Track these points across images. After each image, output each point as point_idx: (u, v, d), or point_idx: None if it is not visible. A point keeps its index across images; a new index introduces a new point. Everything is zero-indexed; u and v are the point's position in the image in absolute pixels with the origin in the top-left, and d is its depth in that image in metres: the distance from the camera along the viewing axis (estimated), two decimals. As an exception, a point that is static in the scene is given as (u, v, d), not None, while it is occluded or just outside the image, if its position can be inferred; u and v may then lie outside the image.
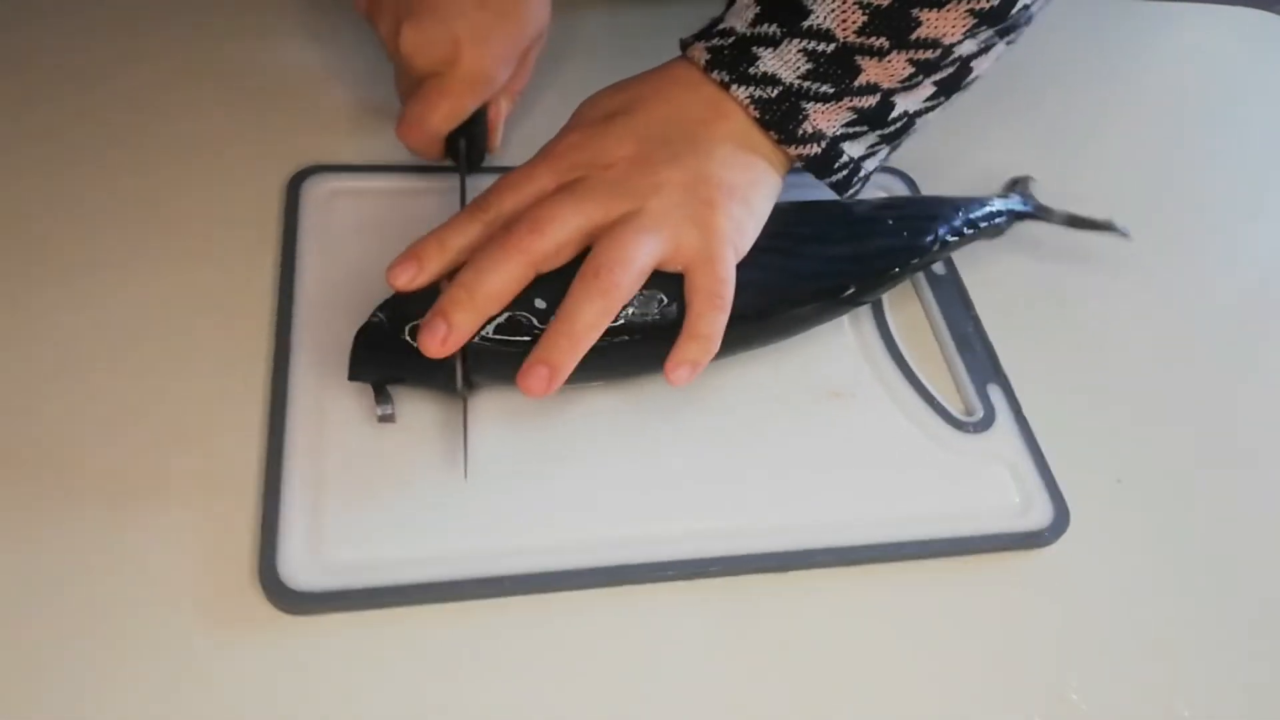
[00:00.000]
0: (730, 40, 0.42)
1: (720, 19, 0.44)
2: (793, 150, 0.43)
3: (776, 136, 0.43)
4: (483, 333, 0.39)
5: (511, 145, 0.53)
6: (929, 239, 0.48)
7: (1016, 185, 0.56)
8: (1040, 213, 0.54)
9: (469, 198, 0.48)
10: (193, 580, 0.38)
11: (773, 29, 0.41)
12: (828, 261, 0.46)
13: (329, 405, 0.42)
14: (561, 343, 0.38)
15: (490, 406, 0.43)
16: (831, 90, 0.42)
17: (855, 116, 0.43)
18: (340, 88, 0.56)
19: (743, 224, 0.42)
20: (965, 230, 0.50)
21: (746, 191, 0.42)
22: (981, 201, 0.52)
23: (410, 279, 0.39)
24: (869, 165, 0.45)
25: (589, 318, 0.38)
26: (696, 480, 0.43)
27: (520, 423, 0.43)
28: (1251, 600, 0.45)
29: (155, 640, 0.36)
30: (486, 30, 0.46)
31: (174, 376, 0.43)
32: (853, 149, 0.44)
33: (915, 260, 0.48)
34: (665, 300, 0.41)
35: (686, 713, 0.38)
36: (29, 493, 0.39)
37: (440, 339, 0.37)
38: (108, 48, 0.55)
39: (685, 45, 0.44)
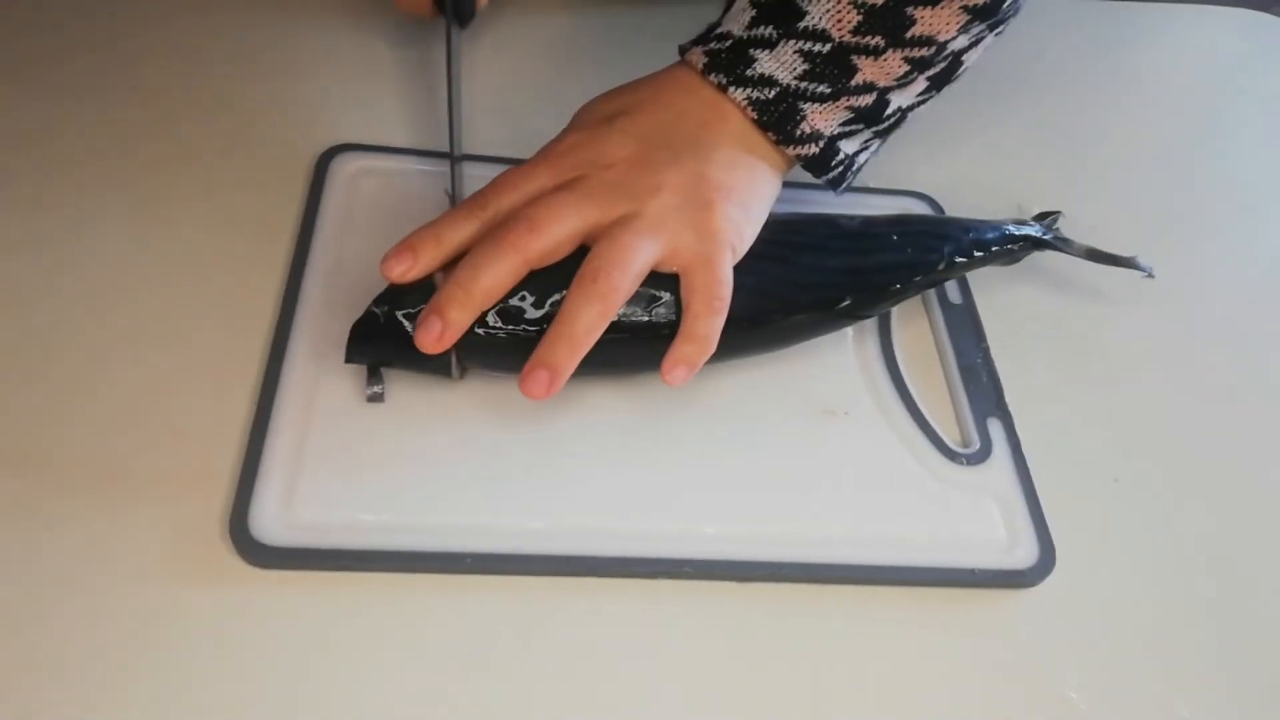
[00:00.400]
0: (727, 44, 0.43)
1: (717, 24, 0.44)
2: (791, 150, 0.43)
3: (775, 137, 0.43)
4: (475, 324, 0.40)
5: (511, 143, 0.54)
6: (934, 257, 0.48)
7: (1044, 220, 0.54)
8: (1060, 244, 0.53)
9: (454, 63, 0.48)
10: (168, 531, 0.39)
11: (769, 31, 0.42)
12: (824, 272, 0.45)
13: (322, 377, 0.43)
14: (561, 346, 0.39)
15: (477, 394, 0.44)
16: (828, 90, 0.42)
17: (852, 115, 0.43)
18: (377, 69, 0.57)
19: (740, 226, 0.42)
20: (975, 252, 0.49)
21: (745, 194, 0.43)
22: (994, 225, 0.51)
23: (404, 271, 0.39)
24: (861, 159, 0.46)
25: (588, 321, 0.39)
26: (671, 483, 0.43)
27: (508, 415, 0.44)
28: (1254, 600, 0.45)
29: (126, 591, 0.37)
30: None
31: (174, 333, 0.44)
32: (848, 146, 0.45)
33: (918, 278, 0.47)
34: (662, 298, 0.41)
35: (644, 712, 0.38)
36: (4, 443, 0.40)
37: (436, 335, 0.38)
38: (136, 17, 0.56)
39: (683, 50, 0.45)
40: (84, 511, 0.39)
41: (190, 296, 0.46)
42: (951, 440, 0.47)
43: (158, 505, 0.39)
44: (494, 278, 0.38)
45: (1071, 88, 0.68)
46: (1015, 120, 0.63)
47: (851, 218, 0.47)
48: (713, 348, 0.41)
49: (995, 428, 0.48)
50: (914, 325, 0.52)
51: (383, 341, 0.41)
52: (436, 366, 0.42)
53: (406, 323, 0.40)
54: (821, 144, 0.43)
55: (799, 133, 0.43)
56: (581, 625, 0.40)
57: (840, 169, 0.45)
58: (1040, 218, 0.55)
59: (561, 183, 0.41)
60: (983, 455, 0.47)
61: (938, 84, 0.45)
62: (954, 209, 0.56)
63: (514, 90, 0.58)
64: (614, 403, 0.45)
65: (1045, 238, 0.53)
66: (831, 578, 0.42)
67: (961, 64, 0.45)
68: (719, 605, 0.41)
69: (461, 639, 0.39)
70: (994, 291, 0.53)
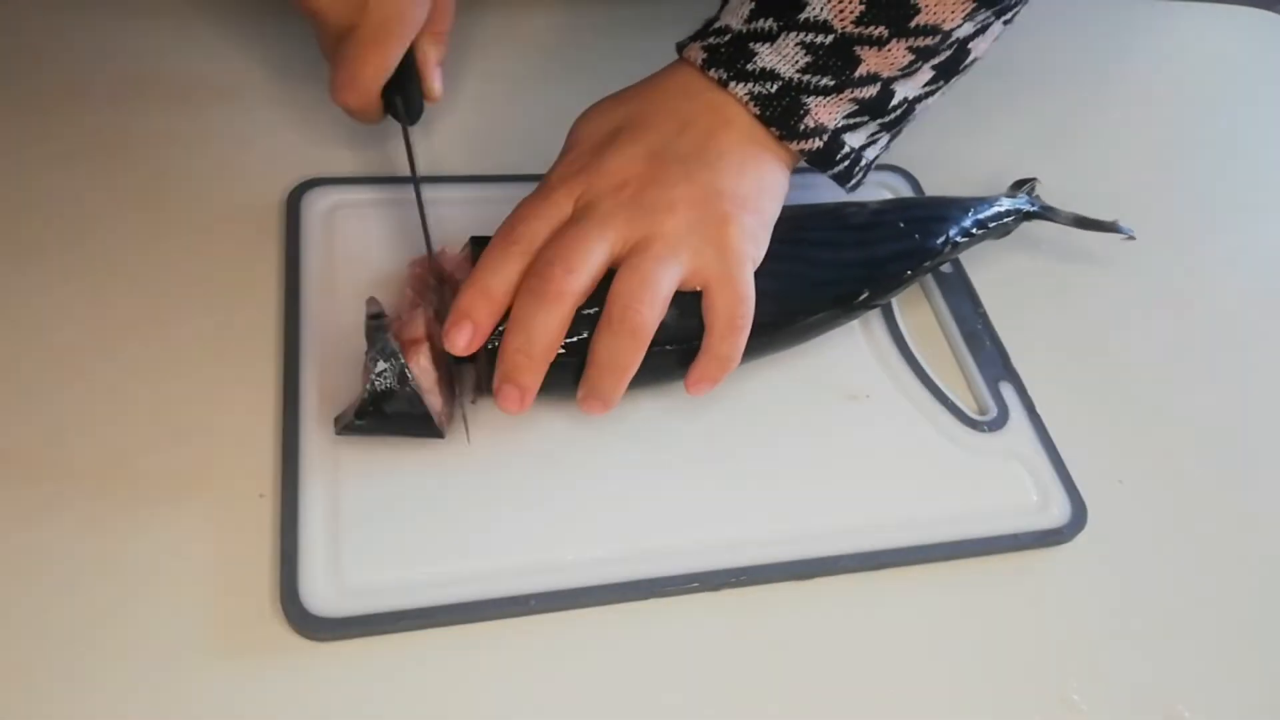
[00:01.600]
0: (726, 38, 0.42)
1: (715, 18, 0.43)
2: (795, 145, 0.42)
3: (778, 132, 0.42)
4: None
5: (515, 150, 0.53)
6: (939, 240, 0.48)
7: (1022, 187, 0.56)
8: (1047, 213, 0.54)
9: (415, 154, 0.47)
10: (212, 609, 0.37)
11: (769, 23, 0.41)
12: (841, 268, 0.45)
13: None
14: (606, 380, 0.39)
15: (502, 424, 0.43)
16: (832, 82, 0.41)
17: (856, 107, 0.43)
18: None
19: (756, 234, 0.42)
20: (974, 231, 0.50)
21: (758, 200, 0.42)
22: (989, 202, 0.52)
23: (468, 342, 0.38)
24: (870, 154, 0.45)
25: (624, 358, 0.39)
26: (716, 490, 0.43)
27: (536, 439, 0.43)
28: (1254, 599, 0.45)
29: (175, 670, 0.35)
30: None
31: (181, 396, 0.42)
32: (854, 139, 0.44)
33: (927, 263, 0.48)
34: (680, 313, 0.40)
35: (719, 726, 0.38)
36: (34, 517, 0.38)
37: (517, 401, 0.39)
38: (104, 60, 0.54)
39: (681, 47, 0.44)
40: (120, 592, 0.37)
41: (186, 364, 0.43)
42: (970, 409, 0.48)
43: (200, 585, 0.37)
44: (549, 332, 0.38)
45: (1071, 84, 0.68)
46: (1015, 118, 0.64)
47: (855, 206, 0.47)
48: (735, 364, 0.41)
49: (1008, 391, 0.49)
50: (913, 301, 0.52)
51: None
52: (432, 433, 0.41)
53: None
54: (825, 138, 0.42)
55: (802, 127, 0.42)
56: (654, 647, 0.39)
57: (846, 163, 0.44)
58: (1018, 185, 0.56)
59: (578, 207, 0.40)
60: (1002, 420, 0.48)
61: (945, 73, 0.44)
62: (933, 187, 0.57)
63: (499, 103, 0.56)
64: (644, 419, 0.44)
65: (1034, 208, 0.54)
66: (887, 563, 0.42)
67: (969, 53, 0.44)
68: (782, 606, 0.41)
69: (537, 680, 0.37)
70: (981, 260, 0.54)
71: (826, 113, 0.42)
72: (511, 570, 0.39)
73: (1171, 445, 0.50)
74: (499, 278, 0.39)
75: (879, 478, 0.45)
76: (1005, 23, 0.44)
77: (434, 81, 0.48)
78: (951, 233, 0.49)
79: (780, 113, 0.42)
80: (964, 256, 0.53)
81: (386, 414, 0.39)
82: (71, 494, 0.39)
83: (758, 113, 0.42)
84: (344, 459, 0.41)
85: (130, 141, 0.50)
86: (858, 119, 0.43)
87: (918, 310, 0.52)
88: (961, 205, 0.51)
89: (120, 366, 0.42)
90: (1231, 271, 0.59)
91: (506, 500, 0.41)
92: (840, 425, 0.46)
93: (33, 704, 0.34)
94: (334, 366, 0.43)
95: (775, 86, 0.41)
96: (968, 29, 0.43)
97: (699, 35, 0.43)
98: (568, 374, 0.40)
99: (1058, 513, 0.45)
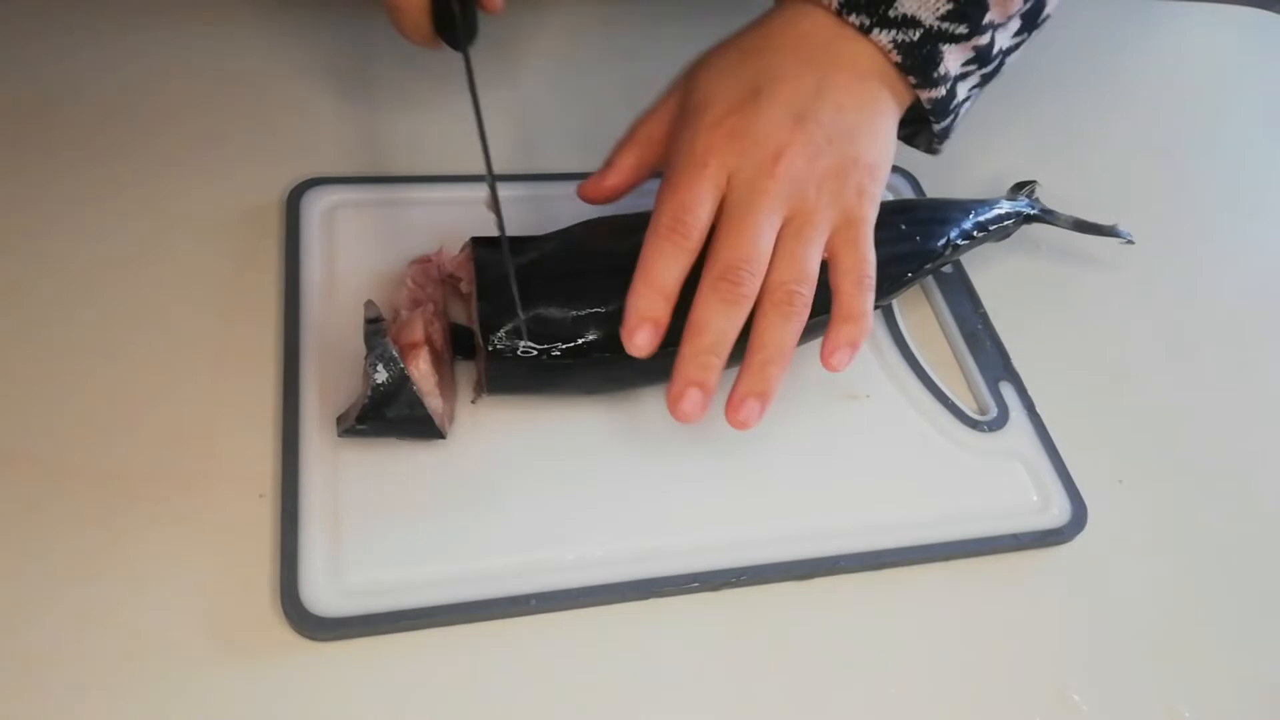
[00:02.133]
0: None
1: None
2: (927, 94, 0.42)
3: (915, 80, 0.42)
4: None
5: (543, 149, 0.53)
6: (940, 243, 0.48)
7: (1022, 189, 0.56)
8: (1047, 216, 0.54)
9: (475, 81, 0.44)
10: (212, 609, 0.37)
11: None
12: None
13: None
14: (770, 371, 0.39)
15: (504, 423, 0.43)
16: (965, 30, 0.41)
17: (973, 54, 0.43)
18: (337, 99, 0.55)
19: (877, 200, 0.42)
20: (975, 233, 0.50)
21: (884, 167, 0.42)
22: (990, 204, 0.52)
23: (651, 340, 0.38)
24: (966, 106, 0.45)
25: (788, 340, 0.39)
26: (716, 490, 0.43)
27: (536, 439, 0.43)
28: (1254, 599, 0.45)
29: (175, 669, 0.35)
30: None
31: (183, 397, 0.42)
32: (962, 89, 0.44)
33: (927, 265, 0.48)
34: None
35: (719, 726, 0.38)
36: (38, 519, 0.38)
37: (701, 407, 0.38)
38: (105, 58, 0.54)
39: None
40: (120, 591, 0.37)
41: (185, 363, 0.43)
42: (970, 409, 0.48)
43: (200, 584, 0.37)
44: (733, 335, 0.38)
45: (1070, 84, 0.68)
46: (1013, 117, 0.64)
47: None
48: (870, 324, 0.41)
49: (1008, 391, 0.49)
50: (913, 301, 0.52)
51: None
52: (433, 434, 0.41)
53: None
54: (948, 86, 0.42)
55: (936, 74, 0.42)
56: (654, 647, 0.39)
57: (953, 116, 0.44)
58: (1018, 188, 0.56)
59: (736, 184, 0.39)
60: (1001, 419, 0.48)
61: (1028, 25, 0.44)
62: (933, 187, 0.57)
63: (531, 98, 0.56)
64: (645, 419, 0.44)
65: (1035, 211, 0.54)
66: (887, 563, 0.42)
67: (1045, 5, 0.44)
68: (782, 606, 0.41)
69: (537, 680, 0.37)
70: (980, 260, 0.54)
71: (954, 60, 0.42)
72: (511, 570, 0.39)
73: (1172, 445, 0.50)
74: (672, 274, 0.38)
75: (879, 478, 0.45)
76: None
77: None
78: (952, 235, 0.49)
79: (921, 61, 0.41)
80: (964, 257, 0.53)
81: (388, 418, 0.39)
82: (72, 494, 0.39)
83: (899, 60, 0.41)
84: (344, 459, 0.40)
85: (129, 141, 0.50)
86: (969, 67, 0.43)
87: (918, 310, 0.52)
88: (962, 207, 0.51)
89: (120, 365, 0.42)
90: (1231, 271, 0.59)
91: (507, 500, 0.41)
92: (840, 425, 0.46)
93: (33, 702, 0.34)
94: (334, 366, 0.43)
95: (918, 34, 0.41)
96: None
97: None
98: (573, 375, 0.40)
99: (1058, 513, 0.45)
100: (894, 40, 0.41)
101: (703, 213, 0.39)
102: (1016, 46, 0.45)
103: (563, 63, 0.60)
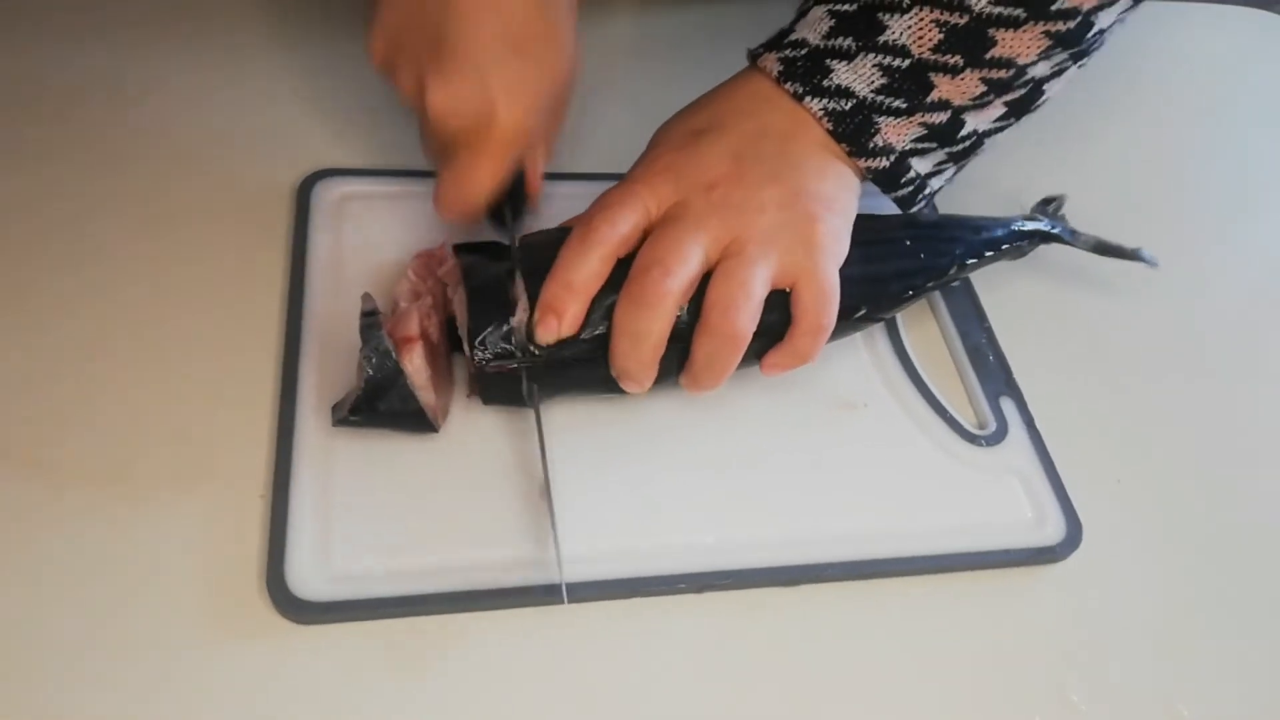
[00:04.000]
0: (803, 52, 0.42)
1: (790, 30, 0.44)
2: (862, 163, 0.43)
3: (848, 149, 0.42)
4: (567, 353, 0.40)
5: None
6: (945, 261, 0.47)
7: (1049, 205, 0.54)
8: (1069, 237, 0.53)
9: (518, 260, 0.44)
10: (199, 589, 0.37)
11: (847, 43, 0.41)
12: (841, 283, 0.45)
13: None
14: (704, 378, 0.41)
15: (497, 419, 0.43)
16: (904, 105, 0.42)
17: (925, 132, 0.43)
18: (350, 91, 0.55)
19: (840, 233, 0.42)
20: (986, 252, 0.49)
21: (841, 200, 0.42)
22: (1006, 222, 0.51)
23: (555, 335, 0.39)
24: (935, 183, 0.45)
25: (724, 362, 0.40)
26: (705, 492, 0.43)
27: (526, 436, 0.43)
28: (1253, 603, 0.45)
29: (161, 650, 0.36)
30: (522, 81, 0.41)
31: (181, 381, 0.43)
32: (920, 165, 0.44)
33: (930, 283, 0.47)
34: (683, 311, 0.40)
35: (696, 728, 0.38)
36: (30, 499, 0.39)
37: (636, 392, 0.41)
38: (113, 51, 0.55)
39: (755, 56, 0.44)
40: (111, 573, 0.37)
41: (189, 347, 0.44)
42: (968, 423, 0.48)
43: (188, 564, 0.38)
44: (654, 334, 0.39)
45: (1071, 83, 0.68)
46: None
47: (863, 220, 0.46)
48: (813, 360, 0.42)
49: (1008, 406, 0.49)
50: (917, 312, 0.52)
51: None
52: (425, 428, 0.41)
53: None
54: (893, 158, 0.43)
55: (872, 145, 0.42)
56: (638, 646, 0.39)
57: (910, 188, 0.44)
58: (1045, 203, 0.54)
59: (665, 207, 0.40)
60: (1000, 435, 0.47)
61: (1016, 111, 0.44)
62: (949, 204, 0.57)
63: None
64: (637, 420, 0.44)
65: (1054, 231, 0.52)
66: (876, 573, 0.42)
67: (1043, 93, 0.44)
68: (768, 611, 0.41)
69: (517, 673, 0.38)
70: (987, 274, 0.54)
71: (896, 134, 0.42)
72: (496, 564, 0.39)
73: (1171, 466, 0.49)
74: (581, 272, 0.39)
75: (871, 487, 0.44)
76: (1080, 66, 0.44)
77: (538, 189, 0.46)
78: (959, 252, 0.48)
79: (852, 129, 0.42)
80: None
81: (380, 410, 0.40)
82: (69, 479, 0.39)
83: (830, 128, 0.42)
84: (337, 446, 0.41)
85: (140, 131, 0.51)
86: (926, 144, 0.43)
87: (922, 321, 0.52)
88: (973, 225, 0.50)
89: (124, 354, 0.43)
90: (1234, 276, 0.58)
91: (494, 495, 0.41)
92: (835, 434, 0.46)
93: (26, 684, 0.35)
94: (334, 355, 0.43)
95: (849, 104, 0.42)
96: (1043, 68, 0.43)
97: (774, 45, 0.43)
98: (560, 384, 0.41)
99: (1052, 530, 0.45)
100: (825, 108, 0.42)
101: (620, 219, 0.39)
102: (1001, 129, 0.45)
103: (613, 65, 0.60)
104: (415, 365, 0.40)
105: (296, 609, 0.37)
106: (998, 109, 0.44)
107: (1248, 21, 0.76)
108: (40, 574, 0.37)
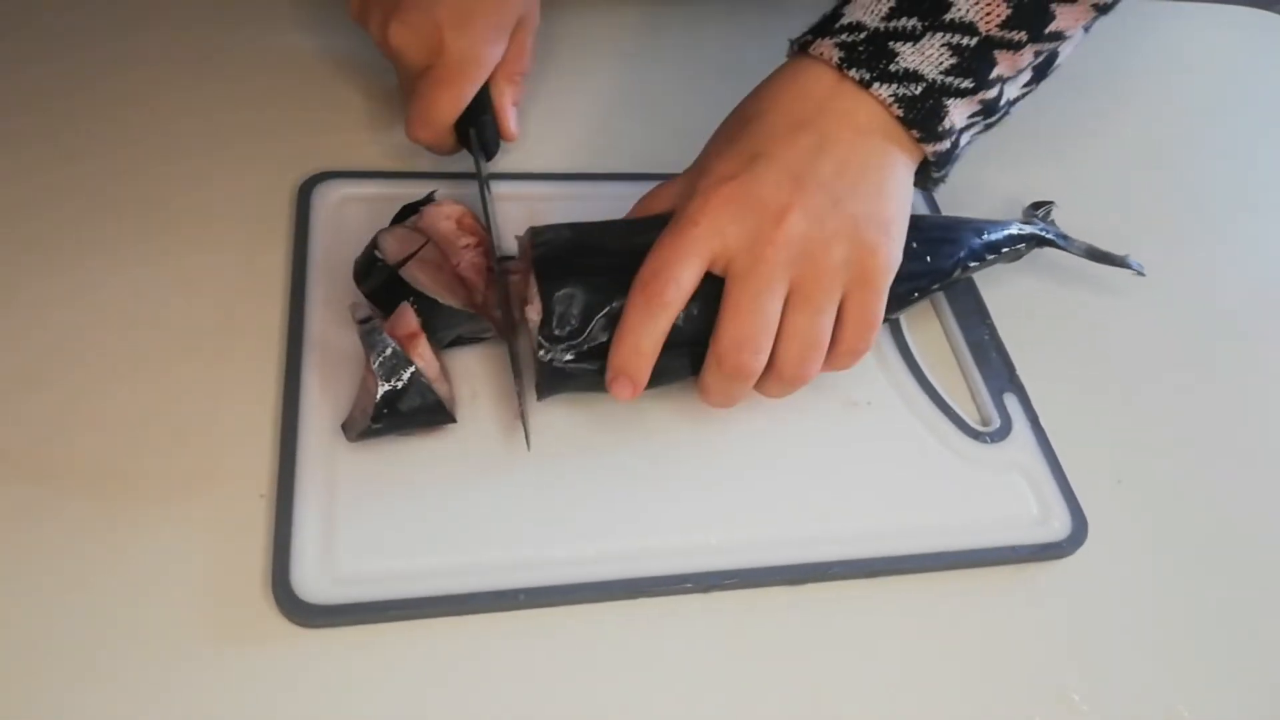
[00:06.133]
0: (862, 35, 0.40)
1: (839, 13, 0.42)
2: (930, 147, 0.42)
3: (918, 135, 0.41)
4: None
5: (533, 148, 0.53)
6: (950, 263, 0.48)
7: (1039, 210, 0.55)
8: (1060, 242, 0.54)
9: (487, 189, 0.48)
10: (203, 592, 0.37)
11: (911, 23, 0.40)
12: None
13: (341, 415, 0.42)
14: (728, 401, 0.42)
15: (499, 420, 0.43)
16: (971, 85, 0.41)
17: (980, 108, 0.42)
18: (351, 93, 0.55)
19: (895, 258, 0.41)
20: (986, 255, 0.49)
21: (899, 221, 0.42)
22: (1003, 225, 0.51)
23: (630, 393, 0.40)
24: (964, 153, 0.45)
25: (778, 398, 0.42)
26: (710, 491, 0.43)
27: (537, 440, 0.43)
28: (1254, 603, 0.45)
29: (166, 654, 0.36)
30: (467, 12, 0.47)
31: (184, 385, 0.42)
32: (965, 138, 0.43)
33: (935, 285, 0.48)
34: (694, 314, 0.40)
35: (704, 728, 0.37)
36: (33, 503, 0.38)
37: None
38: (117, 48, 0.55)
39: (805, 44, 0.42)
40: (116, 576, 0.37)
41: (191, 350, 0.44)
42: (972, 420, 0.48)
43: (192, 567, 0.38)
44: (736, 401, 0.41)
45: (1070, 83, 0.67)
46: (1012, 115, 0.63)
47: None
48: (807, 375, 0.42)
49: (1012, 403, 0.48)
50: (920, 310, 0.52)
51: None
52: (445, 418, 0.41)
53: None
54: (953, 139, 0.42)
55: (941, 129, 0.41)
56: (643, 646, 0.39)
57: (950, 167, 0.44)
58: (1034, 208, 0.55)
59: (730, 250, 0.39)
60: (1004, 431, 0.47)
61: (1039, 75, 0.44)
62: (948, 204, 0.56)
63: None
64: (641, 420, 0.44)
65: (1048, 235, 0.53)
66: (881, 571, 0.42)
67: (1058, 55, 0.44)
68: (774, 610, 0.41)
69: (523, 675, 0.38)
70: (988, 273, 0.54)
71: (959, 114, 0.41)
72: (502, 565, 0.39)
73: (1175, 462, 0.49)
74: (650, 339, 0.39)
75: (876, 485, 0.44)
76: (1085, 29, 0.44)
77: (508, 121, 0.51)
78: (962, 255, 0.48)
79: (923, 115, 0.41)
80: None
81: (401, 411, 0.40)
82: (71, 484, 0.39)
83: (901, 115, 0.41)
84: (341, 450, 0.41)
85: (141, 133, 0.51)
86: (974, 119, 0.43)
87: (924, 319, 0.52)
88: (974, 227, 0.50)
89: (125, 355, 0.43)
90: (1235, 275, 0.58)
91: (499, 496, 0.41)
92: (839, 431, 0.46)
93: (28, 686, 0.35)
94: (336, 358, 0.43)
95: (919, 88, 0.40)
96: (1079, 36, 0.43)
97: (824, 31, 0.41)
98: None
99: (1058, 526, 0.45)
100: (895, 94, 0.40)
101: (683, 273, 0.38)
102: (1024, 96, 0.45)
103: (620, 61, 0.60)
104: (426, 358, 0.40)
105: (301, 612, 0.37)
106: (1026, 75, 0.43)
107: (1248, 21, 0.76)
108: (44, 578, 0.37)
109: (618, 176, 0.53)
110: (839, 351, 0.41)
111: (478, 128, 0.49)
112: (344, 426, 0.41)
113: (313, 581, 0.37)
